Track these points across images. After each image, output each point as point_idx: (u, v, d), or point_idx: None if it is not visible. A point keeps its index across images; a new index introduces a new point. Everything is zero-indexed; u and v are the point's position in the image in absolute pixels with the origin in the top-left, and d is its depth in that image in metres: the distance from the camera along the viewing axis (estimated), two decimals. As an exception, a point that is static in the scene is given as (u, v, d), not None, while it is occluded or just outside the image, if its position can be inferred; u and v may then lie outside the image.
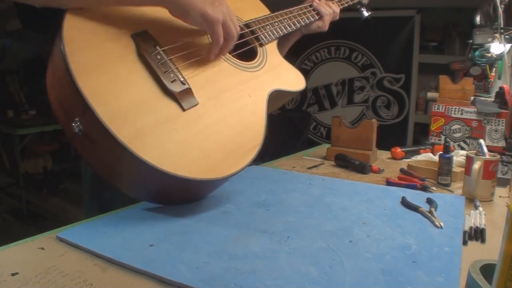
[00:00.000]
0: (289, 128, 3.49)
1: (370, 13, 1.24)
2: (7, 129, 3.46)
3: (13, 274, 0.52)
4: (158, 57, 0.72)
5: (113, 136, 0.61)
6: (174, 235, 0.64)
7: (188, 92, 0.73)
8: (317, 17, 1.09)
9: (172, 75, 0.72)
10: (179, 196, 0.75)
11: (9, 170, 4.31)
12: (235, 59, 0.87)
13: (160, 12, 0.77)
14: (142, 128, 0.65)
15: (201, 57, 0.80)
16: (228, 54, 0.85)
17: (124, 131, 0.62)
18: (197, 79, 0.76)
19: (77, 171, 4.07)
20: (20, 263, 0.55)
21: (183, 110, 0.71)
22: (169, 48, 0.75)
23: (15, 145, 3.46)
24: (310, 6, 1.09)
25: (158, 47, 0.73)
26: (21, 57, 4.58)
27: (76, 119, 0.64)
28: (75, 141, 0.68)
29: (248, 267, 0.54)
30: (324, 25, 1.10)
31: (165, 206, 0.75)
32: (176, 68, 0.74)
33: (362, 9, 1.25)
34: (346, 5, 1.18)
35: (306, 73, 3.84)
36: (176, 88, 0.71)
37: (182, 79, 0.73)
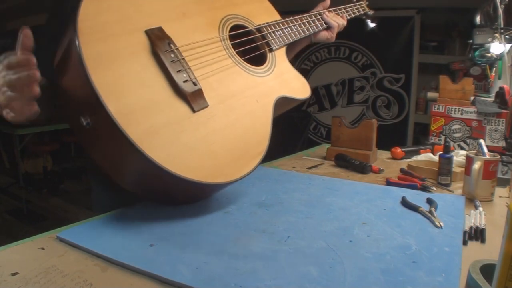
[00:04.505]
0: (289, 128, 3.50)
1: (375, 24, 1.28)
2: (7, 129, 3.46)
3: (13, 274, 0.52)
4: (172, 55, 0.71)
5: (123, 134, 0.60)
6: (174, 235, 0.64)
7: (199, 93, 0.72)
8: (325, 25, 1.11)
9: (184, 75, 0.71)
10: (181, 196, 0.75)
11: (9, 170, 4.32)
12: (246, 63, 0.86)
13: (175, 9, 0.77)
14: (152, 127, 0.64)
15: (213, 58, 0.79)
16: (239, 58, 0.85)
17: (134, 129, 0.61)
18: (208, 80, 0.75)
19: (77, 171, 4.07)
20: (20, 263, 0.55)
21: (193, 111, 0.70)
22: (183, 47, 0.74)
23: (15, 145, 3.46)
24: (320, 15, 1.10)
25: (172, 45, 0.72)
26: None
27: (84, 112, 0.63)
28: (81, 133, 0.67)
29: (248, 267, 0.54)
30: (332, 36, 1.13)
31: (165, 206, 0.75)
32: (189, 68, 0.73)
33: (368, 20, 1.28)
34: (353, 16, 1.21)
35: (306, 73, 3.84)
36: (188, 88, 0.70)
37: (194, 79, 0.72)
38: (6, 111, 0.62)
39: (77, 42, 0.61)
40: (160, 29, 0.73)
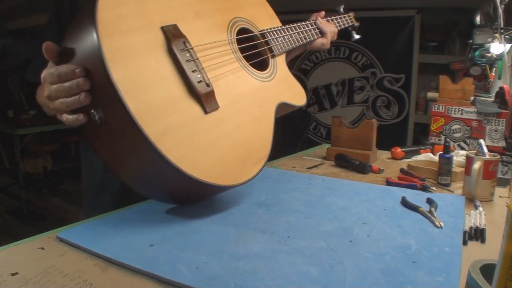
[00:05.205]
0: (289, 128, 3.49)
1: (359, 36, 1.33)
2: (7, 129, 3.46)
3: (13, 274, 0.52)
4: (187, 54, 0.70)
5: (141, 133, 0.59)
6: (174, 235, 0.64)
7: (211, 95, 0.72)
8: (319, 35, 1.15)
9: (199, 75, 0.70)
10: (186, 196, 0.74)
11: (9, 170, 4.32)
12: (251, 68, 0.86)
13: (189, 6, 0.76)
14: (168, 127, 0.63)
15: (223, 60, 0.79)
16: (245, 62, 0.85)
17: (152, 129, 0.60)
18: (218, 82, 0.75)
19: (77, 171, 4.08)
20: (20, 263, 0.55)
21: (206, 113, 0.70)
22: (197, 47, 0.74)
23: (15, 145, 3.46)
24: (315, 23, 1.14)
25: (187, 45, 0.71)
26: (21, 56, 4.58)
27: (97, 106, 0.60)
28: (88, 127, 0.64)
29: (248, 267, 0.54)
30: (327, 42, 1.17)
31: (165, 207, 0.75)
32: (203, 69, 0.72)
33: (353, 32, 1.33)
34: (343, 27, 1.27)
35: (306, 73, 3.84)
36: (201, 89, 0.70)
37: (207, 81, 0.71)
38: (65, 116, 0.64)
39: (95, 34, 0.58)
40: (175, 27, 0.72)
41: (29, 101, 4.16)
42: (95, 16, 0.59)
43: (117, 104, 0.58)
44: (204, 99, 0.70)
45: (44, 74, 0.64)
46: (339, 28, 1.23)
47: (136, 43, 0.65)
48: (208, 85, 0.71)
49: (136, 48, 0.64)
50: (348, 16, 1.30)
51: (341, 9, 1.27)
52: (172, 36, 0.70)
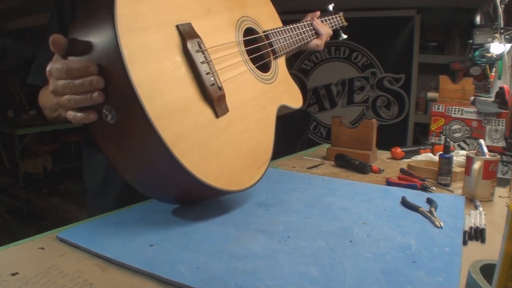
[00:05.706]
0: (289, 128, 3.49)
1: (346, 36, 1.35)
2: (7, 129, 3.46)
3: (13, 274, 0.52)
4: (202, 56, 0.69)
5: (159, 137, 0.57)
6: (174, 235, 0.64)
7: (223, 98, 0.71)
8: (315, 36, 1.16)
9: (212, 78, 0.69)
10: (192, 198, 0.74)
11: (9, 170, 4.32)
12: (256, 70, 0.86)
13: (201, 3, 0.75)
14: (183, 131, 0.62)
15: (232, 63, 0.78)
16: (251, 64, 0.85)
17: (168, 133, 0.58)
18: (228, 86, 0.74)
19: (77, 171, 4.08)
20: (20, 263, 0.55)
21: (217, 116, 0.69)
22: (210, 48, 0.73)
23: (15, 145, 3.46)
24: (311, 24, 1.15)
25: (202, 46, 0.70)
26: (21, 56, 4.58)
27: (110, 106, 0.58)
28: (94, 125, 0.62)
29: (248, 267, 0.54)
30: (322, 44, 1.18)
31: (165, 207, 0.75)
32: (216, 71, 0.71)
33: (341, 31, 1.35)
34: (334, 27, 1.28)
35: (306, 73, 3.84)
36: (214, 92, 0.68)
37: (220, 84, 0.71)
38: (72, 113, 0.61)
39: (114, 31, 0.55)
40: (190, 26, 0.70)
41: (29, 101, 4.16)
42: (114, 12, 0.56)
43: (134, 106, 0.56)
44: (216, 103, 0.69)
45: (50, 68, 0.59)
46: (332, 29, 1.24)
47: (153, 42, 0.62)
48: (220, 88, 0.70)
49: (153, 48, 0.62)
50: (339, 16, 1.32)
51: (331, 8, 1.28)
52: (188, 36, 0.68)
